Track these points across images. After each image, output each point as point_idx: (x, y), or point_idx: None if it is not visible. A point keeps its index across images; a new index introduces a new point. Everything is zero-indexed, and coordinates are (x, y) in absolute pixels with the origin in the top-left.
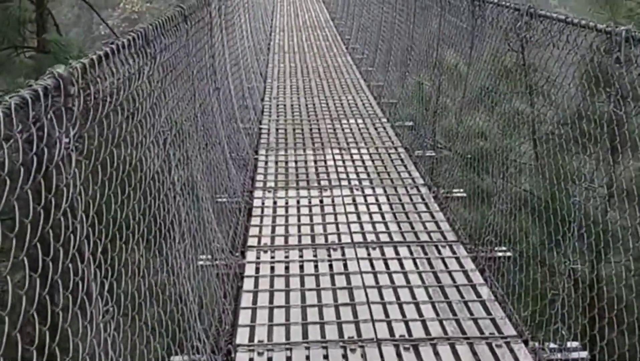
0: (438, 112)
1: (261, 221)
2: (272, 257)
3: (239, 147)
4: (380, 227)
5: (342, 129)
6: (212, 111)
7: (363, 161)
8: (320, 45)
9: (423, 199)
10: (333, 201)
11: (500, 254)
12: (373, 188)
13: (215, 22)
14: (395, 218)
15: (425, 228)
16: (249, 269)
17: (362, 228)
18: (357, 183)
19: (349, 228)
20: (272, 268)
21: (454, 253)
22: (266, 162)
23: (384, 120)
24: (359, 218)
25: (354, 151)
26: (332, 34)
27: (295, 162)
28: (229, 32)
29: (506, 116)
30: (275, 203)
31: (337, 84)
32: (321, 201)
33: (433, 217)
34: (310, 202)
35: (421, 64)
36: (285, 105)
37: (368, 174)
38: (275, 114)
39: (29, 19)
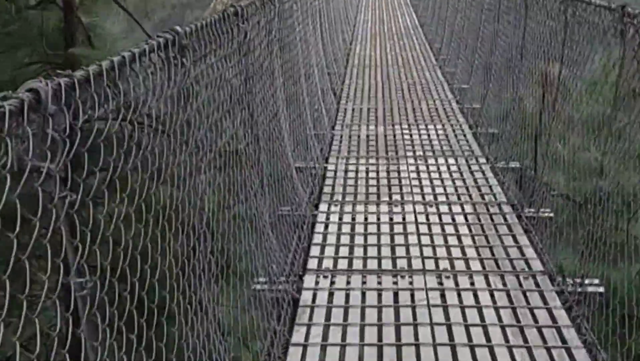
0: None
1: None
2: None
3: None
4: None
5: (429, 174)
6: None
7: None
8: (406, 56)
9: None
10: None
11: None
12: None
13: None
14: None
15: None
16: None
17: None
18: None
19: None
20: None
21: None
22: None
23: (482, 160)
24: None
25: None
26: (420, 42)
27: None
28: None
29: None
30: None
31: (424, 108)
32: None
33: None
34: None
35: (524, 78)
36: (359, 136)
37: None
38: (345, 148)
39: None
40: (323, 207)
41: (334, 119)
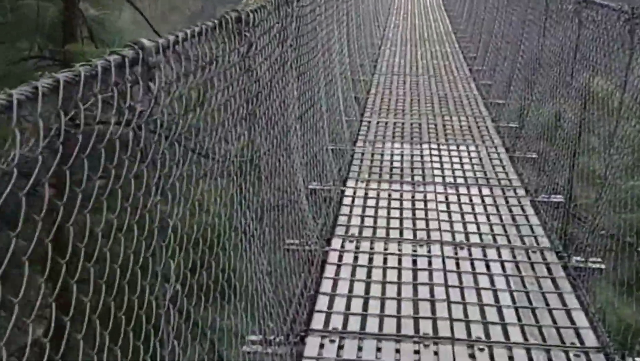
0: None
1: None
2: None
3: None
4: None
5: (460, 206)
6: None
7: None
8: (437, 65)
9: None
10: None
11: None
12: None
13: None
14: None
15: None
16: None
17: None
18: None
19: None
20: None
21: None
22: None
23: (521, 192)
24: None
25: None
26: (453, 50)
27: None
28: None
29: None
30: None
31: (455, 125)
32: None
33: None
34: None
35: (562, 90)
36: (382, 155)
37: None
38: (366, 168)
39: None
40: (336, 243)
41: (356, 134)
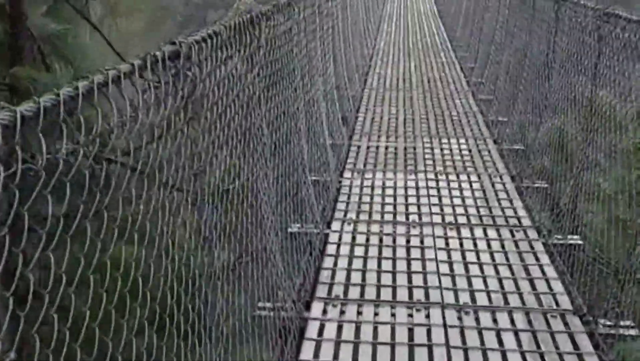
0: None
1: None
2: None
3: None
4: None
5: (463, 254)
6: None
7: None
8: (433, 78)
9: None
10: None
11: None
12: None
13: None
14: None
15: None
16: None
17: None
18: None
19: None
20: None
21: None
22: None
23: (531, 232)
24: None
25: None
26: (449, 60)
27: None
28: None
29: None
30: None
31: (453, 151)
32: None
33: None
34: None
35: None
36: (372, 187)
37: None
38: (354, 209)
39: None
40: (317, 307)
41: (344, 162)
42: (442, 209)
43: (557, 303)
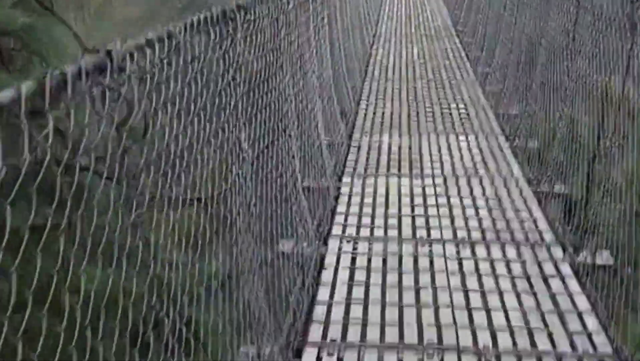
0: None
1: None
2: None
3: None
4: None
5: (480, 280)
6: None
7: None
8: (437, 66)
9: None
10: None
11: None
12: None
13: None
14: None
15: None
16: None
17: None
18: None
19: None
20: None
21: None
22: None
23: (558, 253)
24: None
25: None
26: (453, 47)
27: None
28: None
29: None
30: None
31: (464, 155)
32: None
33: None
34: None
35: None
36: (375, 191)
37: None
38: (354, 221)
39: None
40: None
41: (342, 165)
42: (453, 226)
43: (594, 346)
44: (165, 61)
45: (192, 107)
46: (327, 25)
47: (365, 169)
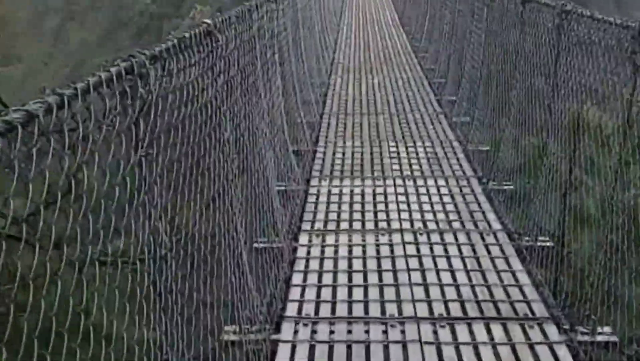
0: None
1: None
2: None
3: None
4: None
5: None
6: None
7: None
8: (399, 97)
9: None
10: None
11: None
12: None
13: None
14: None
15: None
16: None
17: None
18: None
19: None
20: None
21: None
22: None
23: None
24: None
25: None
26: (415, 75)
27: None
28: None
29: None
30: None
31: (432, 199)
32: None
33: None
34: None
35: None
36: (335, 249)
37: None
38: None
39: None
40: None
41: (298, 220)
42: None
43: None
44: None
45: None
46: (277, 62)
47: (325, 224)
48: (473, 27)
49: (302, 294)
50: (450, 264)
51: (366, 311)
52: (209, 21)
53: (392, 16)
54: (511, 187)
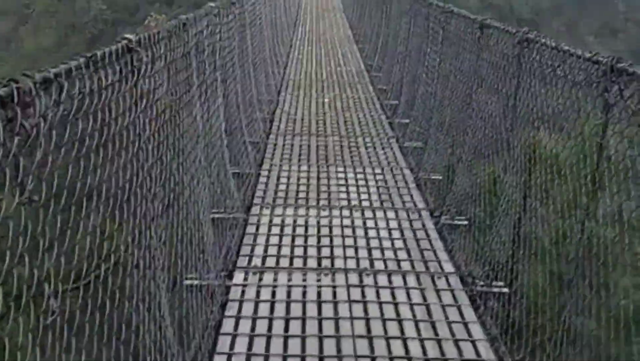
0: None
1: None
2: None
3: None
4: None
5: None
6: None
7: None
8: (350, 119)
9: None
10: None
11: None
12: None
13: None
14: None
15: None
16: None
17: None
18: None
19: None
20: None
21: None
22: None
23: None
24: None
25: None
26: (367, 96)
27: None
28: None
29: None
30: None
31: (381, 233)
32: None
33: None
34: None
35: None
36: (273, 289)
37: None
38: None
39: None
40: None
41: (235, 253)
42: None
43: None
44: None
45: None
46: (219, 80)
47: (264, 260)
48: (428, 49)
49: (231, 346)
50: (397, 313)
51: None
52: (130, 36)
53: (346, 33)
54: (464, 222)
